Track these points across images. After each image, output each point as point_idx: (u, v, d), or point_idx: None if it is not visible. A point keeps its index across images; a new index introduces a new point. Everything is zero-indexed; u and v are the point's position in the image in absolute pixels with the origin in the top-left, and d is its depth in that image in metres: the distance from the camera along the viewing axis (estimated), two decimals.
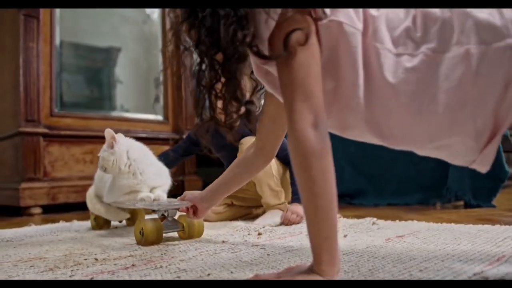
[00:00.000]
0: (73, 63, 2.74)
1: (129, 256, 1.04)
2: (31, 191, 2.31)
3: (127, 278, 0.82)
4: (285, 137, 1.68)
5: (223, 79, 0.74)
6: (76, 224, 1.73)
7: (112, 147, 1.32)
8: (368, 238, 1.16)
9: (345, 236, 1.20)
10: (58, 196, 2.43)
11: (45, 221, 1.89)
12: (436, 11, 0.71)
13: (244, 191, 1.72)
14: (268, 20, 0.71)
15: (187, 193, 1.22)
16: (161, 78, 3.02)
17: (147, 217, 1.37)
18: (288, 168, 1.70)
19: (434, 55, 0.70)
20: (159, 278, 0.81)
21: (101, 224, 1.56)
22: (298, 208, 1.54)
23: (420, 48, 0.71)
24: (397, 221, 1.50)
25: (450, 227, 1.30)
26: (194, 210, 1.18)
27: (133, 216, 1.57)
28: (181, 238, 1.29)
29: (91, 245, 1.22)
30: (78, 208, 2.45)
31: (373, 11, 0.74)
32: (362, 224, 1.43)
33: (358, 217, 1.61)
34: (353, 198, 2.36)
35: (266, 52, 0.73)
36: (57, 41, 2.56)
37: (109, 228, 1.58)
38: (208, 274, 0.82)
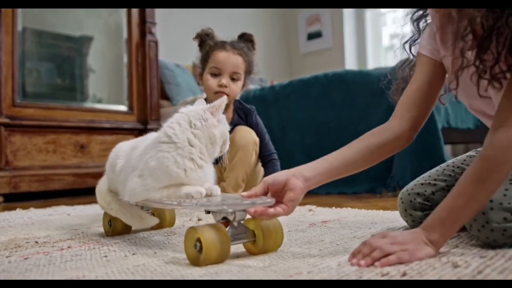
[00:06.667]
0: (37, 52, 2.76)
1: (69, 239, 1.12)
2: None
3: (59, 258, 0.90)
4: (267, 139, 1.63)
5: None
6: (33, 211, 1.79)
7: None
8: (296, 223, 1.26)
9: None
10: (20, 185, 2.47)
11: (5, 209, 1.94)
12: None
13: None
14: None
15: (268, 179, 0.89)
16: (125, 68, 3.06)
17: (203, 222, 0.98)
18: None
19: None
20: (88, 258, 0.90)
21: (119, 229, 1.14)
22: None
23: None
24: (334, 208, 1.61)
25: (376, 214, 1.41)
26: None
27: (161, 219, 1.20)
28: (250, 253, 0.90)
29: (39, 230, 1.30)
30: (40, 197, 2.50)
31: None
32: (299, 211, 1.53)
33: (302, 204, 1.71)
34: None
35: None
36: (19, 28, 2.57)
37: (129, 233, 1.17)
38: (133, 254, 0.91)
